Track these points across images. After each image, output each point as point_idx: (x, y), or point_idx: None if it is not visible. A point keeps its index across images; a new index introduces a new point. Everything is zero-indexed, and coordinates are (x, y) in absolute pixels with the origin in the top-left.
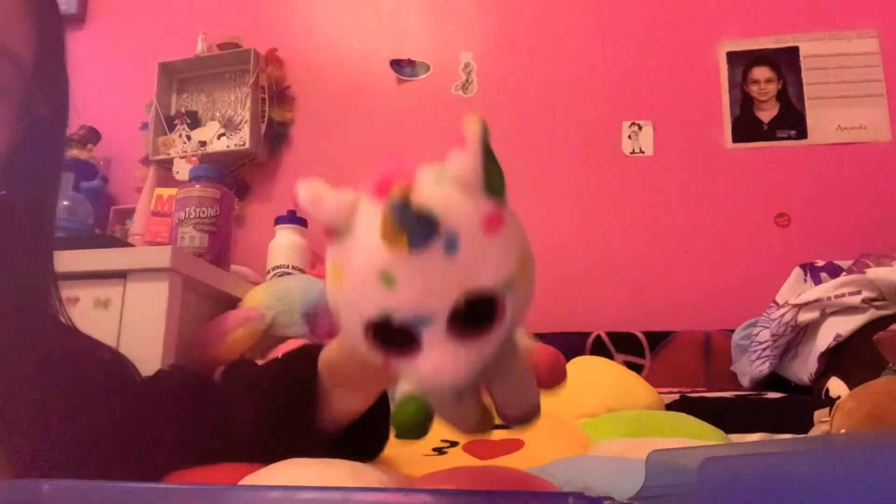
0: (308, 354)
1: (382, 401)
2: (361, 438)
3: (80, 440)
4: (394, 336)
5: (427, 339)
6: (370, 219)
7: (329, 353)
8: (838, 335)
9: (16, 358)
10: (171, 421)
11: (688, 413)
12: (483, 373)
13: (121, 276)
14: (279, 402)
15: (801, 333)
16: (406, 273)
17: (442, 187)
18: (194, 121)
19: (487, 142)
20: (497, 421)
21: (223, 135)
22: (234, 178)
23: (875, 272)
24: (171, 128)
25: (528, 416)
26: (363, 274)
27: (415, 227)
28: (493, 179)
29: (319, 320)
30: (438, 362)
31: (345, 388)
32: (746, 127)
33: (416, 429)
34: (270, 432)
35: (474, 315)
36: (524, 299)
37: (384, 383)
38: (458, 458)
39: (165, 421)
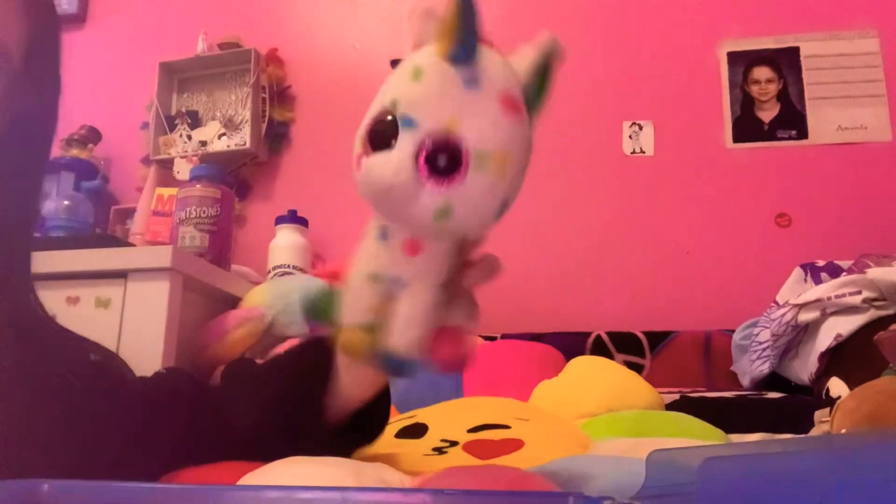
0: (321, 346)
1: (382, 406)
2: (364, 423)
3: (74, 442)
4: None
5: (400, 144)
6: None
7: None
8: (839, 335)
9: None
10: (167, 422)
11: (688, 413)
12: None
13: (121, 275)
14: (288, 396)
15: (802, 333)
16: (431, 77)
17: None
18: (195, 120)
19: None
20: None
21: (224, 134)
22: (235, 177)
23: (875, 272)
24: (172, 127)
25: (407, 357)
26: (404, 65)
27: (465, 39)
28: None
29: None
30: (380, 160)
31: (360, 374)
32: (747, 127)
33: (320, 310)
34: (276, 428)
35: (444, 161)
36: (491, 189)
37: (365, 386)
38: (458, 458)
39: (161, 422)
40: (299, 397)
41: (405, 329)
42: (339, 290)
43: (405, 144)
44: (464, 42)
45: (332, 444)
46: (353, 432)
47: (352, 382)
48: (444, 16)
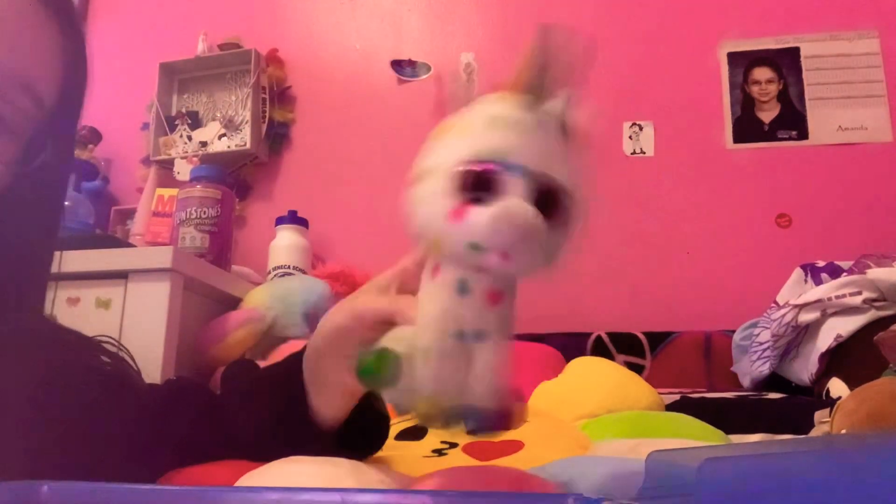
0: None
1: (377, 398)
2: (358, 435)
3: (80, 451)
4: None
5: (508, 187)
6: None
7: (307, 352)
8: (839, 336)
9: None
10: (174, 431)
11: (688, 414)
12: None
13: (122, 276)
14: (279, 406)
15: (802, 334)
16: (518, 124)
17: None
18: (195, 121)
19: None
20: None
21: (224, 135)
22: (235, 178)
23: (876, 273)
24: (172, 128)
25: (493, 408)
26: (475, 116)
27: (539, 84)
28: None
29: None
30: (515, 203)
31: (325, 386)
32: (747, 127)
33: (380, 375)
34: (272, 436)
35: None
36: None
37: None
38: (458, 460)
39: (168, 431)
40: (298, 404)
41: (490, 381)
42: (398, 353)
43: (517, 190)
44: (538, 88)
45: (333, 451)
46: (348, 442)
47: (323, 391)
48: (520, 64)
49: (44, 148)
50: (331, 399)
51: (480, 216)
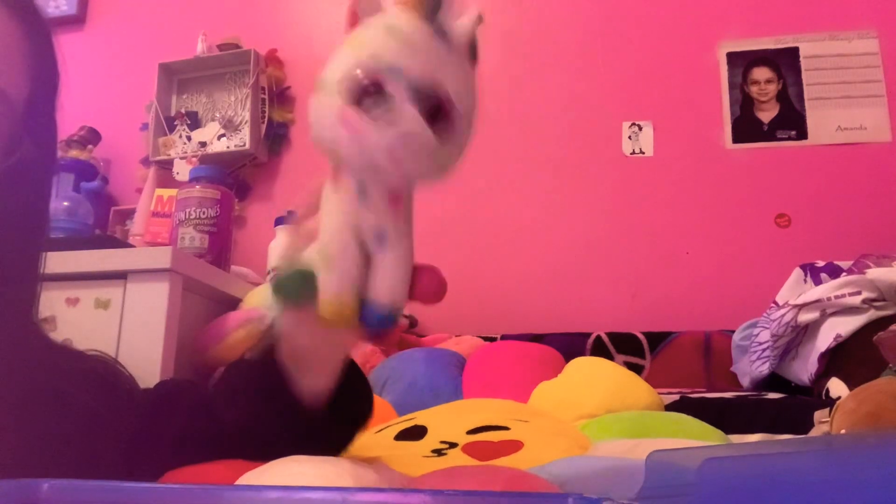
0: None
1: (358, 376)
2: (347, 405)
3: (75, 457)
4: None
5: (397, 98)
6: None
7: (282, 338)
8: (838, 335)
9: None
10: (167, 428)
11: (688, 414)
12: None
13: (121, 276)
14: (259, 398)
15: (802, 334)
16: (409, 32)
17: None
18: (194, 121)
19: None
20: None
21: (223, 135)
22: (235, 178)
23: (875, 272)
24: (172, 128)
25: (392, 311)
26: (373, 25)
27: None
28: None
29: None
30: (408, 124)
31: (302, 366)
32: (746, 127)
33: (297, 292)
34: (261, 431)
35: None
36: (467, 138)
37: (338, 353)
38: (457, 460)
39: (163, 435)
40: (280, 393)
41: (393, 280)
42: (307, 262)
43: (402, 95)
44: (433, 1)
45: (322, 432)
46: (340, 417)
47: (302, 373)
48: None
49: (20, 143)
50: (313, 368)
51: (377, 140)
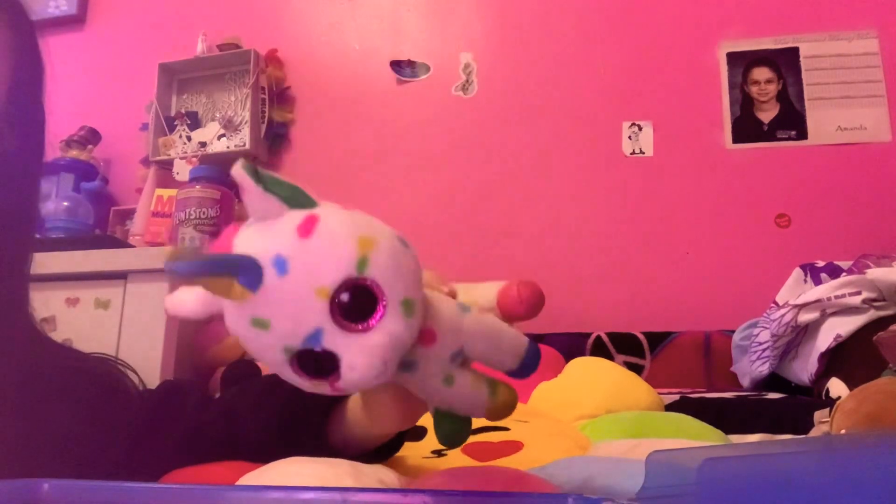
0: None
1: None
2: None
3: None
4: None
5: (337, 349)
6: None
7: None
8: (838, 336)
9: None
10: (170, 434)
11: (688, 414)
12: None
13: (121, 276)
14: (287, 413)
15: (802, 334)
16: (268, 310)
17: (246, 230)
18: (194, 121)
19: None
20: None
21: (223, 135)
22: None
23: (875, 272)
24: (172, 128)
25: (528, 359)
26: (234, 327)
27: (237, 271)
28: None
29: None
30: (350, 360)
31: (367, 427)
32: (747, 127)
33: (458, 437)
34: (278, 440)
35: (357, 306)
36: (394, 269)
37: (411, 420)
38: (457, 460)
39: (164, 435)
40: (305, 410)
41: (500, 359)
42: (458, 416)
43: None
44: (243, 277)
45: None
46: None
47: (362, 430)
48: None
49: (2, 137)
50: (386, 422)
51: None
